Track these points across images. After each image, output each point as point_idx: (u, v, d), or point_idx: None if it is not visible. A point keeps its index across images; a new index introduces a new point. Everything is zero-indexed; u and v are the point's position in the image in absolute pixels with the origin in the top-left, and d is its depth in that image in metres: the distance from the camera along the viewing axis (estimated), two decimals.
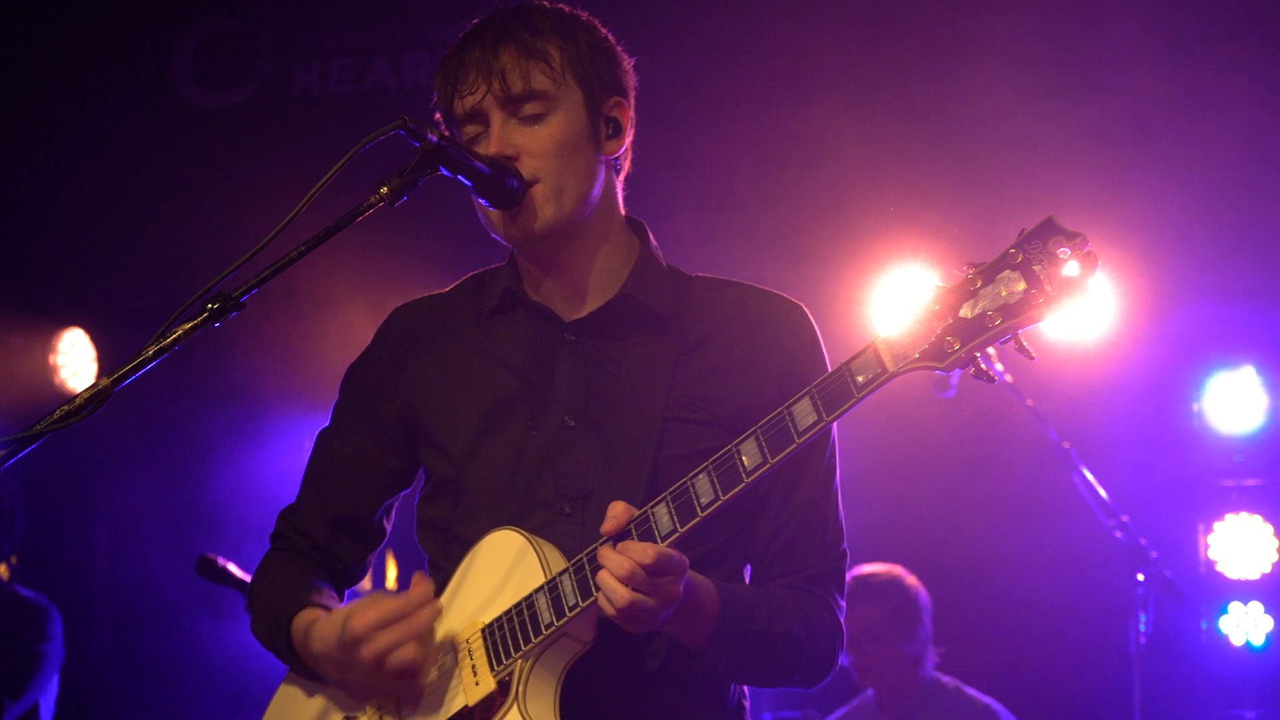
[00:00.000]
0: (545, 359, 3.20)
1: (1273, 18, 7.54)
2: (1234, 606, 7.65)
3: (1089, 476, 6.84)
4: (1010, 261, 2.66)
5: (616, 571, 2.77)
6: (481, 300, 3.31)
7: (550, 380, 3.18)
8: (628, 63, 3.27)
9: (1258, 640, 7.62)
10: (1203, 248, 7.61)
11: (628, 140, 3.25)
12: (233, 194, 7.78)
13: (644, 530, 2.85)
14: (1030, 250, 2.65)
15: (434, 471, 3.29)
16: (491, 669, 2.99)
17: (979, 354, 2.70)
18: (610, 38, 3.26)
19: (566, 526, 3.08)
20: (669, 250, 3.33)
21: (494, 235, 3.19)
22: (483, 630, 3.03)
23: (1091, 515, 6.91)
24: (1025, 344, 2.70)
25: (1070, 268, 2.61)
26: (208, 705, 8.42)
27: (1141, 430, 7.74)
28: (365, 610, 2.99)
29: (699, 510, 2.83)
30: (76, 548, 9.02)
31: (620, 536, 2.85)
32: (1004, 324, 2.65)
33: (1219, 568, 7.70)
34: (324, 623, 3.09)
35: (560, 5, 3.25)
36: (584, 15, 3.25)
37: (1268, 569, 7.64)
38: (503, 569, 3.04)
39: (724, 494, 2.82)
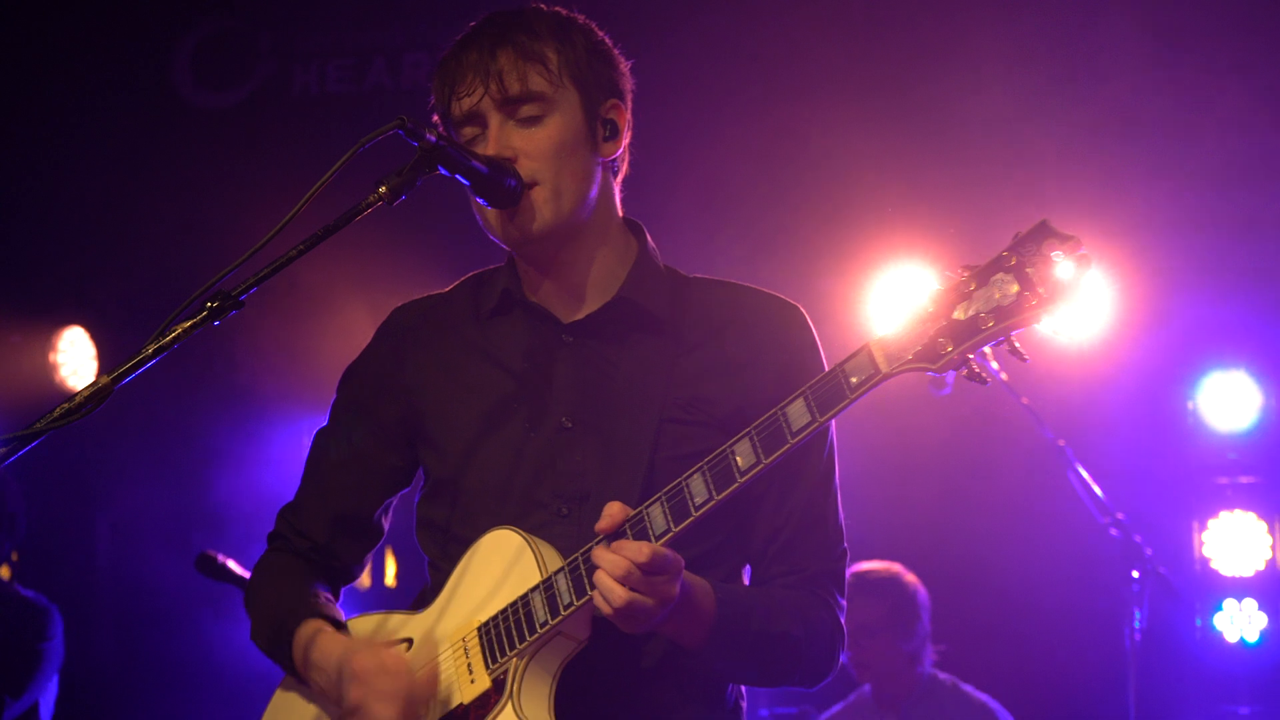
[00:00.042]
0: (543, 360, 3.20)
1: (1267, 19, 7.56)
2: (1228, 603, 7.69)
3: (1084, 474, 6.84)
4: (1004, 264, 2.67)
5: (613, 571, 2.79)
6: (480, 301, 3.31)
7: (548, 381, 3.19)
8: (624, 65, 3.28)
9: (1251, 637, 7.66)
10: (1197, 247, 7.64)
11: (625, 142, 3.26)
12: (232, 193, 7.77)
13: (638, 530, 2.86)
14: (1024, 253, 2.66)
15: (433, 472, 3.30)
16: (487, 667, 3.00)
17: (972, 355, 2.72)
18: (607, 41, 3.26)
19: (564, 527, 3.09)
20: (665, 250, 3.35)
21: (492, 237, 3.20)
22: (479, 628, 3.04)
23: (1087, 513, 6.91)
24: (1018, 346, 2.71)
25: (1063, 270, 2.62)
26: (209, 705, 8.41)
27: (1136, 428, 7.77)
28: (361, 673, 3.02)
29: (693, 510, 2.84)
30: (78, 547, 9.02)
31: (615, 536, 2.85)
32: (997, 326, 2.66)
33: (1213, 565, 7.74)
34: (322, 650, 3.14)
35: (557, 8, 3.26)
36: (581, 18, 3.26)
37: (1261, 566, 7.68)
38: (500, 568, 3.05)
39: (718, 494, 2.83)
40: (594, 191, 3.19)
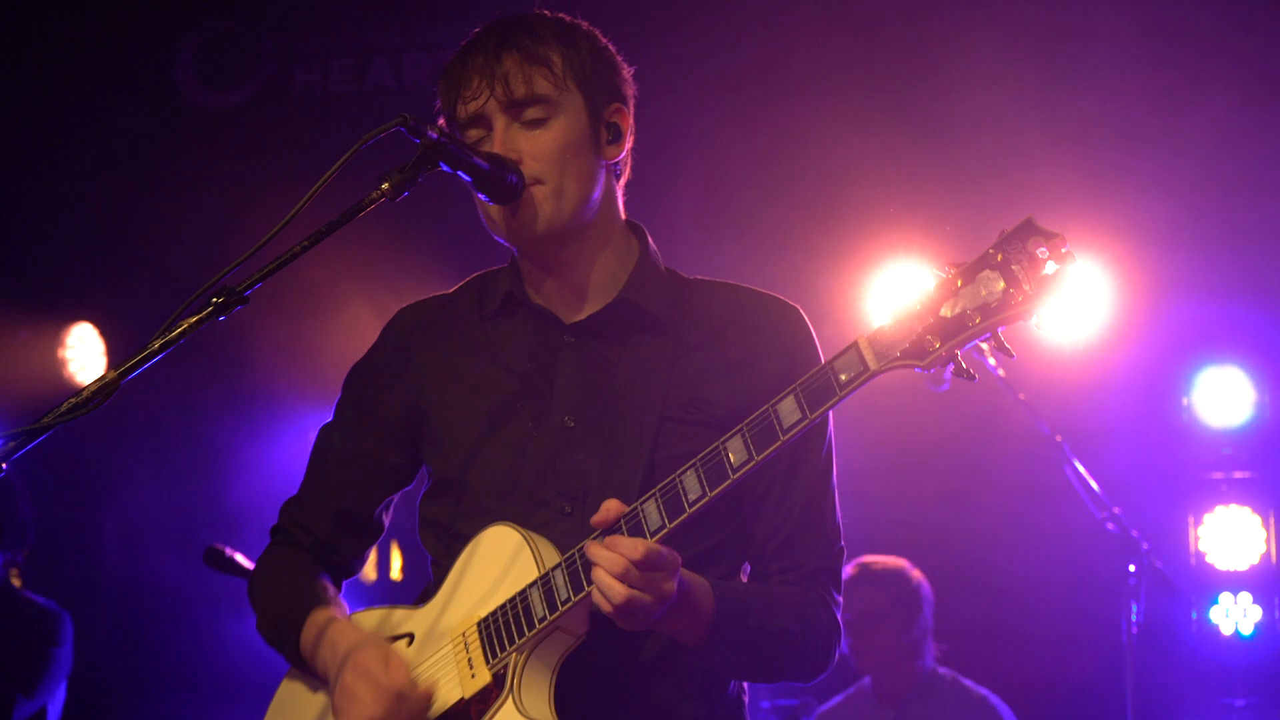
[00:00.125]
0: (546, 360, 3.22)
1: (1259, 15, 7.58)
2: (1224, 597, 7.71)
3: (1081, 470, 6.87)
4: (990, 261, 2.70)
5: (611, 568, 2.81)
6: (484, 302, 3.33)
7: (551, 381, 3.21)
8: (627, 71, 3.30)
9: (1247, 630, 7.68)
10: (1192, 246, 7.65)
11: (627, 146, 3.28)
12: (236, 191, 7.77)
13: (633, 525, 2.88)
14: (1009, 250, 2.68)
15: (436, 470, 3.33)
16: (487, 662, 3.03)
17: (960, 352, 2.74)
18: (610, 46, 3.29)
19: (566, 525, 3.11)
20: (664, 250, 3.37)
21: (496, 236, 3.22)
22: (478, 624, 3.07)
23: (1084, 507, 6.94)
24: (1005, 343, 2.72)
25: (1048, 267, 2.65)
26: (214, 704, 8.40)
27: (1132, 424, 7.78)
28: (362, 665, 3.08)
29: (686, 506, 2.86)
30: (84, 547, 9.01)
31: (610, 532, 2.88)
32: (983, 323, 2.69)
33: (1209, 559, 7.75)
34: (337, 632, 3.18)
35: (561, 13, 3.28)
36: (585, 24, 3.28)
37: (1256, 560, 7.70)
38: (499, 565, 3.07)
39: (711, 490, 2.85)
40: (596, 193, 3.20)
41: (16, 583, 6.88)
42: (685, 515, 2.86)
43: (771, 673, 3.24)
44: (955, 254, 2.77)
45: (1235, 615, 7.69)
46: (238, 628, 7.99)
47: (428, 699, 3.10)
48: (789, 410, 2.82)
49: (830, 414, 2.91)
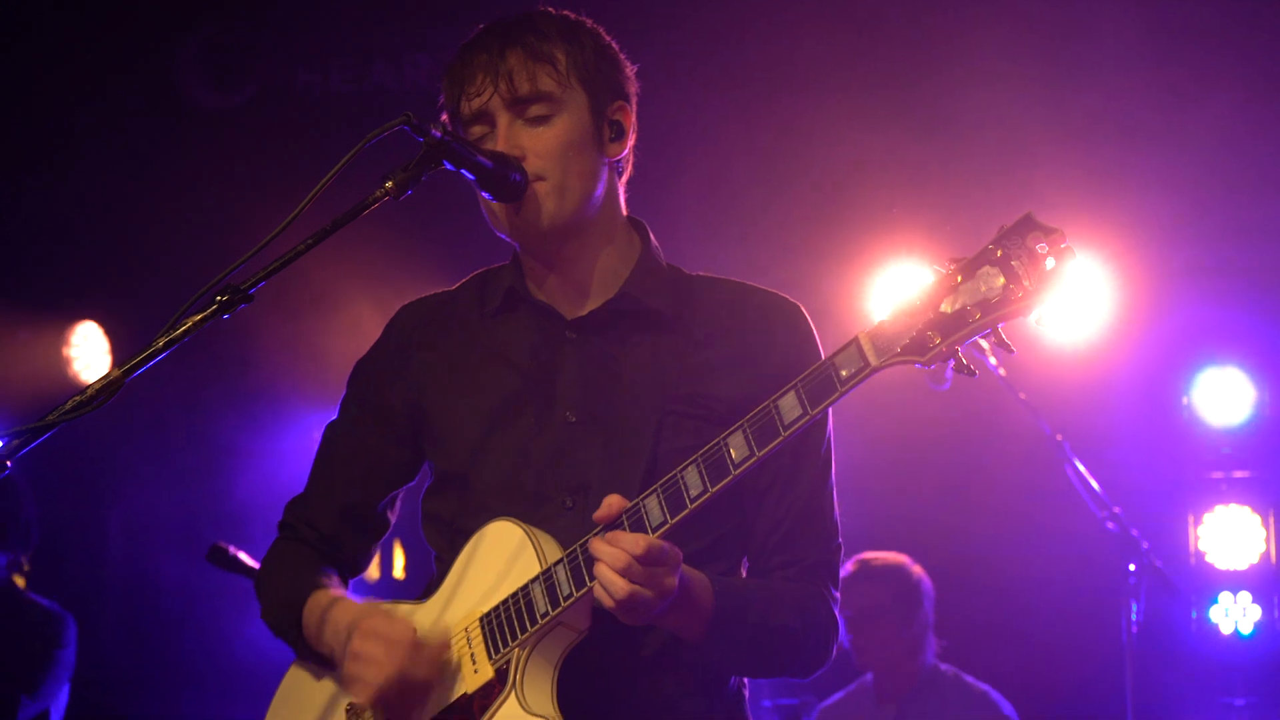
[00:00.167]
0: (548, 356, 3.23)
1: (1263, 13, 7.59)
2: (1223, 596, 7.73)
3: (1081, 469, 6.88)
4: (990, 257, 2.70)
5: (613, 564, 2.81)
6: (486, 298, 3.34)
7: (553, 377, 3.22)
8: (630, 69, 3.31)
9: (1246, 629, 7.70)
10: (1193, 245, 7.68)
11: (630, 144, 3.29)
12: (238, 191, 7.79)
13: (635, 521, 2.89)
14: (1009, 246, 2.69)
15: (438, 466, 3.33)
16: (490, 657, 3.04)
17: (960, 348, 2.74)
18: (614, 44, 3.30)
19: (568, 520, 3.11)
20: (667, 248, 3.38)
21: (499, 233, 3.23)
22: (481, 619, 3.08)
23: (1084, 507, 6.95)
24: (1005, 338, 2.73)
25: (1048, 263, 2.65)
26: (219, 703, 8.42)
27: (1133, 424, 7.81)
28: (369, 630, 3.07)
29: (688, 502, 2.87)
30: (88, 546, 9.03)
31: (612, 527, 2.89)
32: (983, 318, 2.70)
33: (1208, 558, 7.78)
34: (340, 610, 3.18)
35: (565, 11, 3.28)
36: (589, 21, 3.29)
37: (1255, 559, 7.73)
38: (502, 560, 3.08)
39: (712, 486, 2.86)
40: (599, 191, 3.21)
41: (20, 583, 6.89)
42: (687, 511, 2.87)
43: (771, 668, 3.25)
44: (956, 250, 2.78)
45: (1235, 614, 7.71)
46: (242, 626, 8.01)
47: (443, 647, 3.11)
48: (790, 406, 2.83)
49: (830, 410, 2.91)
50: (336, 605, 3.21)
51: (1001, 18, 7.53)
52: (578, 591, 2.94)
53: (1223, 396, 7.79)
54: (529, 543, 3.05)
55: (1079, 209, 6.90)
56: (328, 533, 3.41)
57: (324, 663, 3.28)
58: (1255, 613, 7.71)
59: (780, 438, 2.83)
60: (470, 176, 3.07)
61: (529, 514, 3.12)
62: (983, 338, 2.74)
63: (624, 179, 3.33)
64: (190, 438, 8.88)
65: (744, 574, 3.28)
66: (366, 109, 8.44)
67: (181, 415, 8.83)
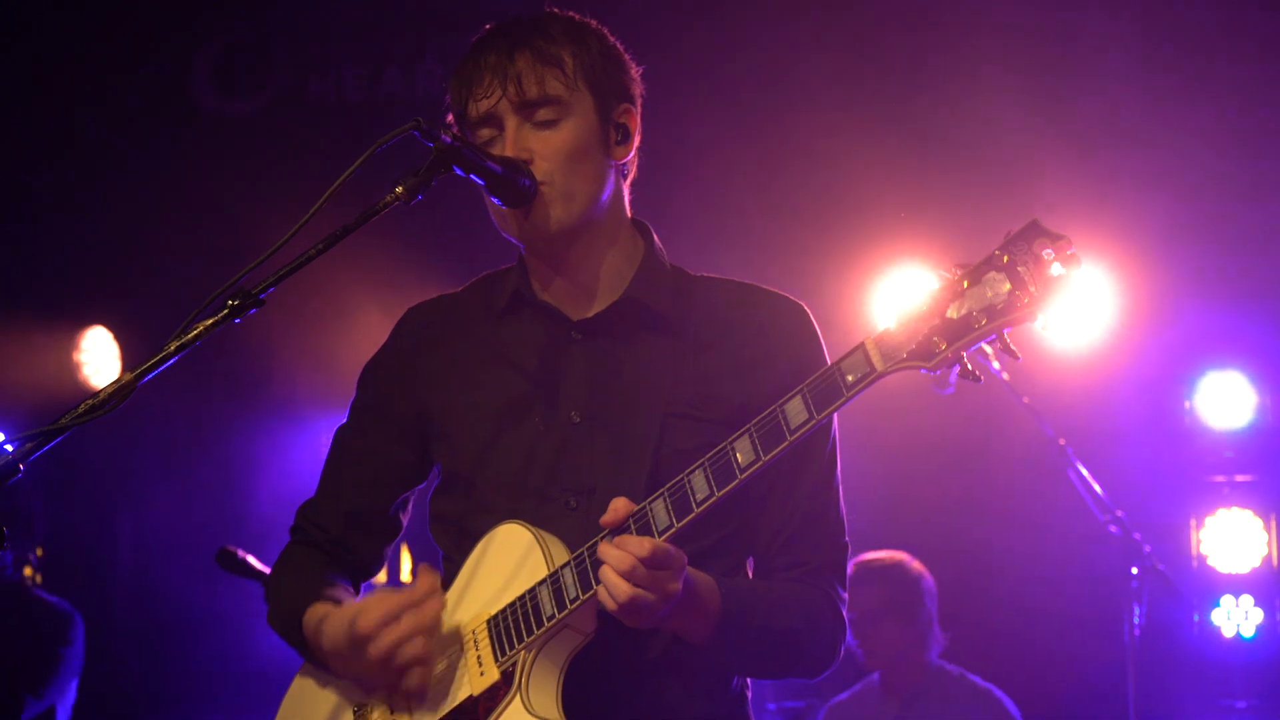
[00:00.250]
0: (553, 358, 3.24)
1: (1262, 20, 7.60)
2: (1225, 599, 7.75)
3: (1084, 473, 6.89)
4: (996, 263, 2.70)
5: (617, 566, 2.82)
6: (492, 300, 3.34)
7: (558, 379, 3.22)
8: (635, 71, 3.30)
9: (1248, 632, 7.71)
10: (1196, 251, 7.69)
11: (635, 146, 3.29)
12: (250, 197, 7.80)
13: (642, 525, 2.90)
14: (1015, 252, 2.69)
15: (446, 467, 3.33)
16: (496, 659, 3.04)
17: (965, 353, 2.73)
18: (619, 46, 3.30)
19: (572, 521, 3.12)
20: (671, 254, 3.39)
21: (506, 235, 3.24)
22: (488, 621, 3.08)
23: (1087, 511, 6.97)
24: (1010, 344, 2.72)
25: (1054, 269, 2.65)
26: (227, 708, 8.45)
27: (1135, 428, 7.82)
28: (372, 609, 3.04)
29: (694, 506, 2.88)
30: (101, 552, 9.02)
31: (618, 531, 2.90)
32: (989, 324, 2.70)
33: (1210, 562, 7.79)
34: (334, 620, 3.14)
35: (571, 13, 3.29)
36: (594, 24, 3.29)
37: (1258, 563, 7.74)
38: (510, 562, 3.09)
39: (718, 490, 2.87)
40: (606, 194, 3.22)
41: (33, 576, 6.90)
42: (693, 515, 2.88)
43: (777, 669, 3.27)
44: (961, 256, 2.78)
45: (1237, 617, 7.72)
46: (252, 632, 8.00)
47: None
48: (796, 411, 2.84)
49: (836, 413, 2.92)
50: (332, 614, 3.18)
51: (1001, 26, 7.55)
52: (584, 595, 2.94)
53: (1225, 401, 7.80)
54: (537, 546, 3.05)
55: (1080, 214, 6.91)
56: (336, 536, 3.41)
57: (328, 670, 3.28)
58: (1257, 616, 7.72)
59: (786, 442, 2.84)
60: (480, 181, 3.07)
61: (533, 514, 3.13)
62: (988, 343, 2.75)
63: (629, 181, 3.33)
64: (201, 446, 8.89)
65: (749, 573, 3.28)
66: (378, 116, 8.46)
67: (192, 423, 8.84)
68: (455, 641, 3.14)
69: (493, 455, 3.22)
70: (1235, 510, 7.80)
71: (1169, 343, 7.74)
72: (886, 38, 8.05)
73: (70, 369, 8.85)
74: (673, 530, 2.89)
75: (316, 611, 3.22)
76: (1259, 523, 7.76)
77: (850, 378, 2.81)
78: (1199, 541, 7.82)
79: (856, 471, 3.46)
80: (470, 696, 3.07)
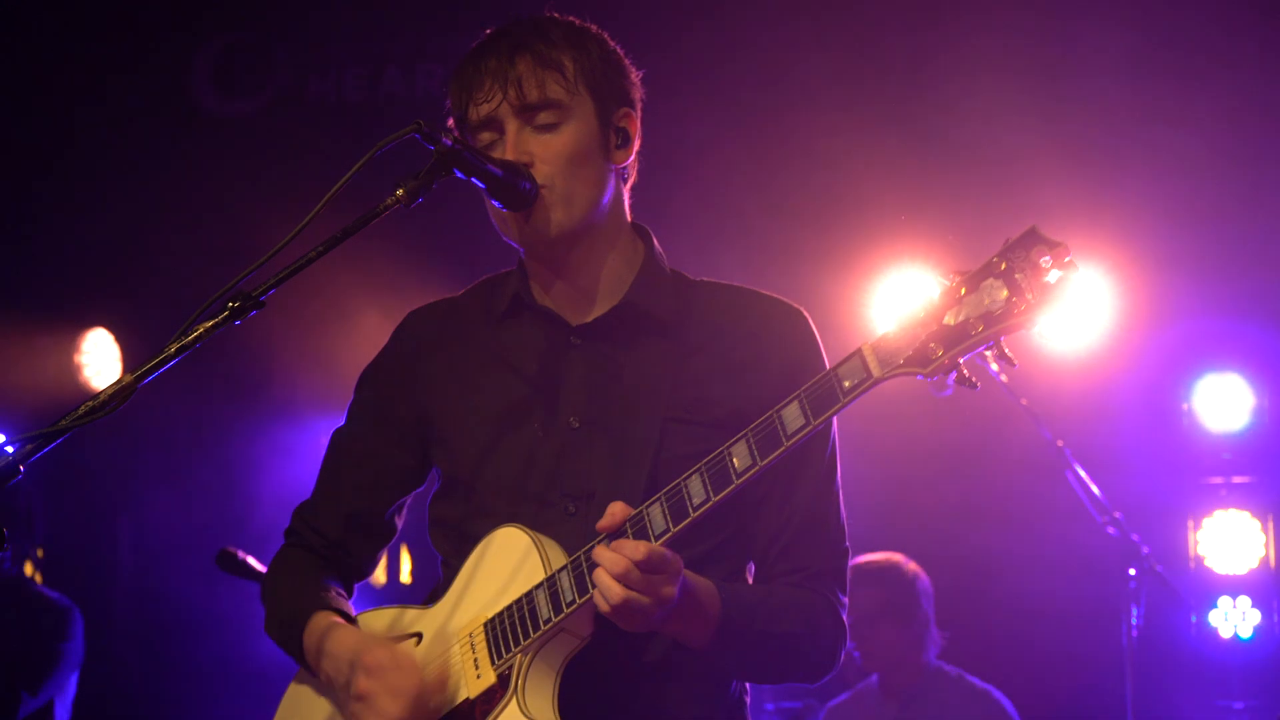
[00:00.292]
0: (553, 362, 3.24)
1: (1261, 27, 7.61)
2: (1223, 600, 7.76)
3: (1082, 474, 6.90)
4: (993, 270, 2.70)
5: (612, 569, 2.83)
6: (492, 304, 3.34)
7: (558, 383, 3.23)
8: (635, 75, 3.30)
9: (1245, 633, 7.73)
10: (1194, 254, 7.70)
11: (635, 150, 3.28)
12: (251, 198, 7.82)
13: (638, 529, 2.90)
14: (1013, 259, 2.68)
15: (445, 471, 3.34)
16: (492, 662, 3.05)
17: (962, 360, 2.74)
18: (619, 50, 3.30)
19: (571, 525, 3.12)
20: (670, 257, 3.39)
21: (506, 238, 3.24)
22: (485, 624, 3.09)
23: (1085, 512, 6.97)
24: (1007, 351, 2.73)
25: (1051, 276, 2.64)
26: (229, 709, 8.45)
27: (1133, 429, 7.83)
28: (374, 667, 3.07)
29: (691, 510, 2.88)
30: (101, 552, 9.04)
31: (615, 535, 2.90)
32: (986, 331, 2.70)
33: (1208, 563, 7.81)
34: (336, 641, 3.17)
35: (571, 17, 3.29)
36: (594, 28, 3.29)
37: (1255, 564, 7.75)
38: (508, 566, 3.09)
39: (715, 495, 2.87)
40: (606, 198, 3.22)
41: (31, 571, 6.90)
42: (690, 519, 2.89)
43: (777, 674, 3.29)
44: (958, 262, 2.78)
45: (1234, 619, 7.74)
46: (253, 635, 7.98)
47: (443, 691, 3.12)
48: (793, 416, 2.84)
49: (834, 417, 2.93)
50: (332, 635, 3.20)
51: (1001, 31, 7.55)
52: (580, 598, 2.95)
53: (1222, 402, 7.82)
54: (535, 549, 3.05)
55: (1078, 218, 6.92)
56: (334, 539, 3.42)
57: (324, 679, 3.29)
58: (1254, 617, 7.74)
59: (783, 447, 2.84)
60: (480, 185, 3.07)
61: (533, 519, 3.13)
62: (985, 350, 2.75)
63: (629, 184, 3.34)
64: (201, 446, 8.89)
65: (749, 578, 3.28)
66: (378, 117, 8.47)
67: (192, 425, 8.84)
68: (453, 643, 3.15)
69: (492, 460, 3.22)
70: (1233, 511, 7.81)
71: (1167, 345, 7.75)
72: (886, 38, 8.06)
73: (71, 370, 8.86)
74: (669, 535, 2.89)
75: (319, 623, 3.25)
76: (1256, 524, 7.78)
77: (847, 383, 2.81)
78: (1196, 543, 7.84)
79: (854, 474, 3.46)
80: (467, 699, 3.07)
